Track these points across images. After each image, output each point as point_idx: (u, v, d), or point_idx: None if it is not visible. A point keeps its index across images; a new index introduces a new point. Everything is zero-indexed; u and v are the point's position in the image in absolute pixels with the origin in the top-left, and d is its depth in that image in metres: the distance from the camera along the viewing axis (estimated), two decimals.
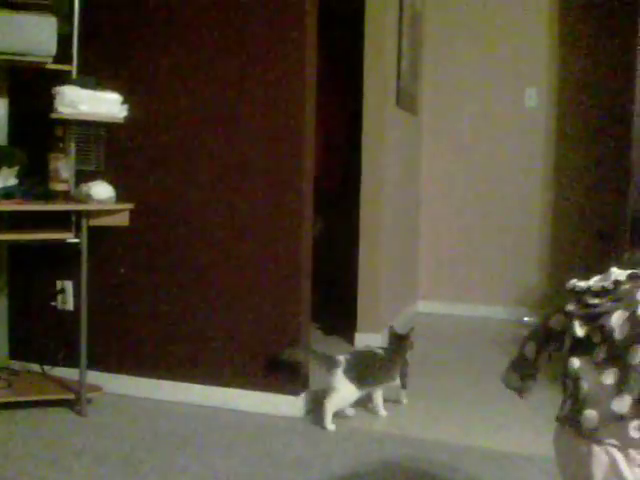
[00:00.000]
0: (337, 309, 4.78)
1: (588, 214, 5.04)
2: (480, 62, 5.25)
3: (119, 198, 3.03)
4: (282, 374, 3.02)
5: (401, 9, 4.41)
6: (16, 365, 3.40)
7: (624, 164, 4.29)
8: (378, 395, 3.06)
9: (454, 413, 3.13)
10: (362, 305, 4.30)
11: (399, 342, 3.14)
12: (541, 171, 5.17)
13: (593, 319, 1.47)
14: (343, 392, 2.88)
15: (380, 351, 3.07)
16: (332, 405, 2.88)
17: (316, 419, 2.95)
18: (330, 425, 2.87)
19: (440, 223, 5.43)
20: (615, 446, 1.35)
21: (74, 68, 2.99)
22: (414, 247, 5.36)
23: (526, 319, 5.19)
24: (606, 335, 1.42)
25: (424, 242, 5.47)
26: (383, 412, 3.07)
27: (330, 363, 2.89)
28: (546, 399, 3.44)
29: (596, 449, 1.37)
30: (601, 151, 4.98)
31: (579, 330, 1.48)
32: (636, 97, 3.90)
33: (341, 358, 2.89)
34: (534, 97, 5.14)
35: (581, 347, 1.48)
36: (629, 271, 1.49)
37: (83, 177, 3.02)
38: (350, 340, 4.29)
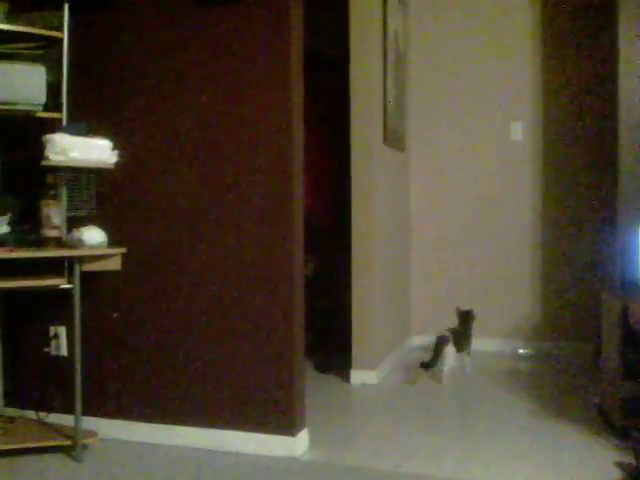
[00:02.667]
0: (331, 346, 4.78)
1: (578, 245, 5.08)
2: (465, 97, 5.34)
3: (111, 243, 3.05)
4: (277, 415, 3.02)
5: (385, 50, 4.48)
6: (11, 412, 3.38)
7: (611, 194, 4.35)
8: (465, 358, 4.40)
9: (450, 447, 3.12)
10: (356, 342, 4.29)
11: (466, 317, 4.35)
12: (529, 204, 5.22)
13: None
14: (452, 356, 4.18)
15: (459, 328, 4.31)
16: (447, 366, 4.15)
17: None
18: (446, 380, 4.17)
19: (431, 257, 5.46)
20: None
21: (64, 116, 3.03)
22: (406, 282, 5.38)
23: (521, 351, 5.19)
24: None
25: (416, 277, 5.50)
26: (470, 371, 4.42)
27: (445, 339, 4.14)
28: (541, 435, 3.44)
29: None
30: (588, 182, 5.04)
31: None
32: (620, 129, 3.96)
33: (447, 334, 4.18)
34: (519, 131, 5.22)
35: None
36: None
37: (75, 223, 3.05)
38: (345, 377, 4.29)
